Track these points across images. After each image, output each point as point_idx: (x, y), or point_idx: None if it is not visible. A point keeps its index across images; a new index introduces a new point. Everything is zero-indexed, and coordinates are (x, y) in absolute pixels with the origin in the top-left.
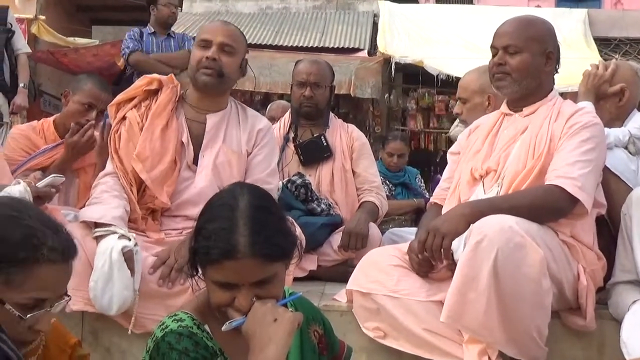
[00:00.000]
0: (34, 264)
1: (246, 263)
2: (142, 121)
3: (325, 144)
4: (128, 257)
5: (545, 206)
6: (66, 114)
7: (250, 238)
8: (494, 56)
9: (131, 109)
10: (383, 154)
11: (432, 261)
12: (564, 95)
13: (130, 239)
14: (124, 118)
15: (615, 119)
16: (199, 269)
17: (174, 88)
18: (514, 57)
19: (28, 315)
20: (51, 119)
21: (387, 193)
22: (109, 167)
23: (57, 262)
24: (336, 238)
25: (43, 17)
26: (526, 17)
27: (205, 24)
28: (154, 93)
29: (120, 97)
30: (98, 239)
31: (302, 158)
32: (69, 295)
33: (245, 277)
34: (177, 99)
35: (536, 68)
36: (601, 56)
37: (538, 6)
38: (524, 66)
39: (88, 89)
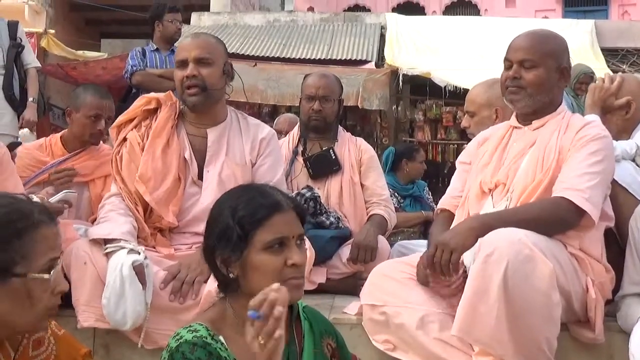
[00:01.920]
0: (34, 229)
1: (291, 214)
2: (142, 141)
3: (334, 157)
4: (139, 270)
5: (553, 218)
6: (76, 131)
7: (285, 197)
8: (507, 69)
9: (131, 129)
10: (414, 165)
11: (441, 276)
12: None
13: (139, 253)
14: (124, 139)
15: (622, 131)
16: (242, 252)
17: (172, 105)
18: (530, 72)
19: (52, 272)
20: (58, 135)
21: (396, 205)
22: (113, 188)
23: (49, 222)
24: (345, 251)
25: (52, 31)
26: (542, 31)
27: (180, 42)
28: (154, 112)
29: (120, 118)
30: (108, 255)
31: (310, 171)
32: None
33: (294, 228)
34: (176, 115)
35: (550, 83)
36: (608, 67)
37: (545, 17)
38: (540, 81)
39: (90, 102)
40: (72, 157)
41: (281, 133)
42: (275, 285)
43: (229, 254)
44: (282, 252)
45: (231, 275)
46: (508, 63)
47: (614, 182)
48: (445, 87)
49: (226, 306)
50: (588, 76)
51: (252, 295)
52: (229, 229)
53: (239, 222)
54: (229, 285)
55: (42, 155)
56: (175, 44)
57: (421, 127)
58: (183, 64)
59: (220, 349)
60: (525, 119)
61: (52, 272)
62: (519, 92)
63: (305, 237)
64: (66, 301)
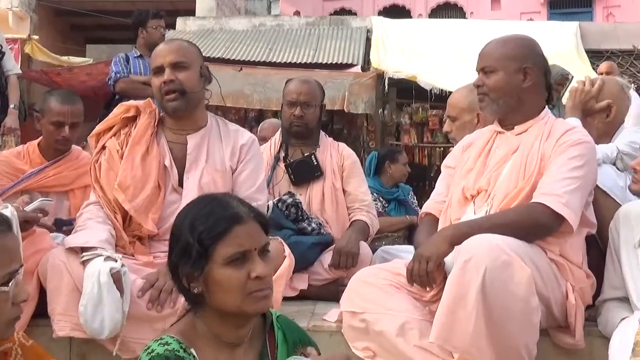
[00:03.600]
0: None
1: (252, 226)
2: (122, 149)
3: (315, 163)
4: (116, 278)
5: (528, 224)
6: (44, 138)
7: (245, 207)
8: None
9: (110, 137)
10: (396, 167)
11: (422, 288)
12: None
13: (116, 260)
14: (103, 147)
15: (603, 135)
16: (202, 268)
17: (152, 112)
18: (490, 77)
19: (10, 284)
20: (36, 142)
21: (381, 209)
22: (92, 196)
23: (7, 232)
24: (327, 257)
25: (36, 37)
26: (505, 36)
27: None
28: (133, 120)
29: (99, 127)
30: (85, 263)
31: (292, 177)
32: (22, 264)
33: (256, 240)
34: (156, 123)
35: (513, 86)
36: (593, 68)
37: (530, 19)
38: (499, 85)
39: (51, 108)
40: (51, 165)
41: (266, 140)
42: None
43: (191, 270)
44: (244, 265)
45: (195, 291)
46: (478, 73)
47: (595, 187)
48: (431, 90)
49: (196, 318)
50: (564, 77)
51: (219, 310)
52: (188, 245)
53: (198, 237)
54: (195, 300)
55: (20, 163)
56: None
57: (407, 130)
58: (159, 70)
59: None
60: (506, 123)
61: (10, 284)
62: (484, 98)
63: (281, 247)
64: (43, 310)
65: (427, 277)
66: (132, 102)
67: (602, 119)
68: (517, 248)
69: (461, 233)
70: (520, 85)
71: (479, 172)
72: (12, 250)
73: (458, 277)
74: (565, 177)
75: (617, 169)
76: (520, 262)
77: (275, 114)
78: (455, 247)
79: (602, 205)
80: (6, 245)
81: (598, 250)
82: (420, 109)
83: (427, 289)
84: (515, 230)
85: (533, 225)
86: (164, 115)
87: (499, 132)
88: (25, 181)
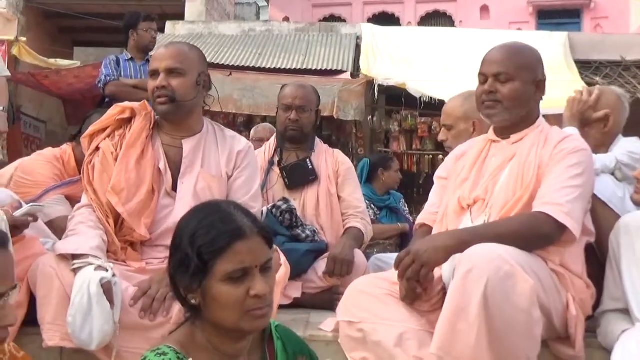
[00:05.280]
0: None
1: (254, 241)
2: (116, 150)
3: (310, 167)
4: (107, 288)
5: (532, 234)
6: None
7: (249, 221)
8: (482, 83)
9: (104, 139)
10: (389, 174)
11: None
12: (545, 117)
13: (107, 270)
14: (97, 149)
15: (600, 145)
16: (200, 282)
17: (147, 115)
18: (505, 85)
19: None
20: (70, 149)
21: (372, 217)
22: (84, 199)
23: None
24: (321, 264)
25: (24, 39)
26: (516, 44)
27: (154, 51)
28: (128, 122)
29: (93, 127)
30: (75, 271)
31: (287, 181)
32: (17, 284)
33: (257, 256)
34: (151, 125)
35: (527, 96)
36: (582, 79)
37: (519, 29)
38: (516, 94)
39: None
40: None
41: (263, 141)
42: None
43: (189, 283)
44: (244, 282)
45: (192, 302)
46: (483, 77)
47: (594, 197)
48: (420, 98)
49: (194, 328)
50: None
51: (217, 323)
52: (187, 257)
53: (198, 251)
54: (193, 310)
55: (60, 167)
56: (150, 54)
57: (396, 137)
58: (154, 74)
59: None
60: (503, 132)
61: None
62: (495, 106)
63: (278, 256)
64: (33, 318)
65: (418, 280)
66: (127, 103)
67: (599, 129)
68: (519, 258)
69: (464, 243)
70: (532, 97)
71: (474, 181)
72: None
73: (459, 287)
74: (565, 185)
75: (616, 179)
76: (522, 273)
77: (264, 119)
78: (453, 255)
79: (601, 215)
80: None
81: (597, 261)
82: (409, 116)
83: (423, 291)
84: (517, 239)
85: (535, 235)
86: (160, 118)
87: (494, 141)
88: (62, 187)
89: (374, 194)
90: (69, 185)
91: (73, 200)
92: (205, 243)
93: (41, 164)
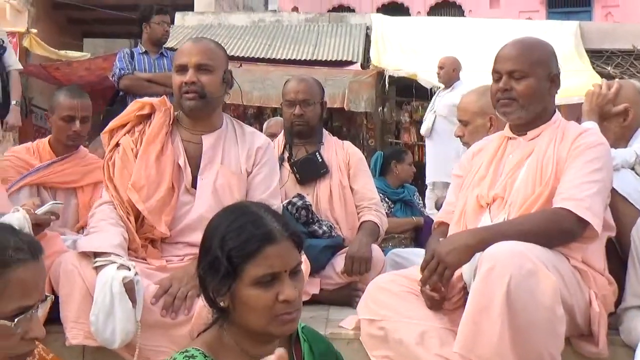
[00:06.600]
0: (5, 268)
1: (285, 246)
2: (136, 147)
3: (320, 160)
4: (129, 287)
5: (553, 230)
6: (55, 134)
7: (280, 224)
8: (496, 81)
9: (124, 134)
10: (403, 167)
11: (436, 290)
12: (558, 107)
13: (130, 268)
14: (117, 145)
15: (619, 139)
16: (230, 285)
17: (167, 111)
18: (520, 83)
19: (16, 320)
20: (46, 139)
21: (387, 210)
22: (105, 195)
23: (28, 261)
24: (339, 261)
25: (35, 31)
26: (528, 39)
27: (180, 46)
28: (147, 117)
29: (112, 123)
30: (97, 269)
31: (298, 177)
32: (48, 295)
33: (287, 261)
34: (171, 121)
35: (542, 92)
36: (593, 68)
37: (529, 18)
38: (531, 91)
39: (61, 103)
40: (58, 161)
41: (275, 136)
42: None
43: (218, 286)
44: (273, 287)
45: (221, 304)
46: (497, 75)
47: (614, 192)
48: (431, 89)
49: (223, 330)
50: None
51: (245, 327)
52: (217, 260)
53: (228, 254)
54: (221, 312)
55: (30, 159)
56: (163, 47)
57: (407, 128)
58: (182, 69)
59: None
60: (520, 129)
61: (16, 319)
62: (511, 104)
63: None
64: (56, 316)
65: (441, 280)
66: (146, 99)
67: (618, 123)
68: (541, 255)
69: (484, 242)
70: (547, 92)
71: (492, 179)
72: (27, 284)
73: (482, 286)
74: (584, 181)
75: (636, 173)
76: (545, 270)
77: (275, 111)
78: (475, 253)
79: (621, 211)
80: (19, 278)
81: (617, 257)
82: (420, 107)
83: (442, 288)
84: (538, 236)
85: (557, 231)
86: (180, 114)
87: (510, 138)
88: (31, 175)
89: (387, 187)
90: (38, 171)
91: (47, 188)
92: (235, 247)
93: (5, 160)
